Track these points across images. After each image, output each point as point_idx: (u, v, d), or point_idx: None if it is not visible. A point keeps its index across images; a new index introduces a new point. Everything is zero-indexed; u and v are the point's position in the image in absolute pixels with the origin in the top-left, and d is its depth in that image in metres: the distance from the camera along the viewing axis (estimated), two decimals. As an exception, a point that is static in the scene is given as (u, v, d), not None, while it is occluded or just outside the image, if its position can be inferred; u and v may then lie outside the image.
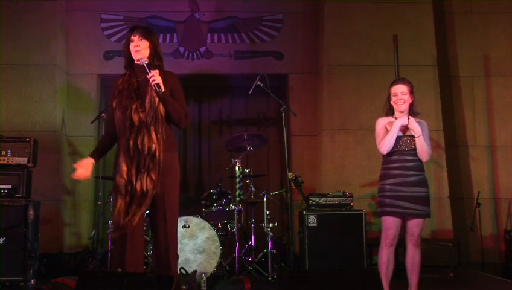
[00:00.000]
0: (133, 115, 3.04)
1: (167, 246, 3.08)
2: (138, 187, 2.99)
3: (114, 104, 3.13)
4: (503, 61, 6.29)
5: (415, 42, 6.00)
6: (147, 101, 3.06)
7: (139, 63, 3.15)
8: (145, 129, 3.03)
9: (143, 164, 3.01)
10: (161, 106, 3.07)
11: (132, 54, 3.17)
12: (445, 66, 6.30)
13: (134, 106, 3.06)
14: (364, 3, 6.10)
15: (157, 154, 3.02)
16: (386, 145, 3.57)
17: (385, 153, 3.61)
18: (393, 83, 3.67)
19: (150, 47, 3.17)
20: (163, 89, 3.05)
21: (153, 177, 3.01)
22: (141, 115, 3.04)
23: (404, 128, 3.59)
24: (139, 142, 3.02)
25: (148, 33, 3.19)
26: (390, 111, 3.69)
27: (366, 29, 6.07)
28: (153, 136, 3.03)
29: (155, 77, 3.05)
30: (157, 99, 3.07)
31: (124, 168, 3.01)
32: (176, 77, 3.24)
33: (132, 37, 3.16)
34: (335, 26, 6.09)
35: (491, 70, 6.28)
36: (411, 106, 3.63)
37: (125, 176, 3.01)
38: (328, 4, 6.13)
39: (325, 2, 6.14)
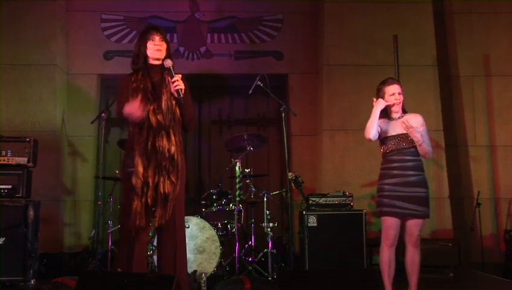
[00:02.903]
0: (150, 116, 3.05)
1: (175, 248, 3.09)
2: (160, 190, 3.01)
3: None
4: (503, 61, 6.29)
5: (415, 42, 6.00)
6: (164, 103, 3.08)
7: (155, 63, 3.17)
8: (164, 131, 3.05)
9: (163, 166, 3.03)
10: (177, 109, 3.11)
11: (150, 53, 3.17)
12: (445, 66, 6.30)
13: (151, 108, 3.06)
14: (364, 3, 6.10)
15: (175, 156, 3.06)
16: (368, 129, 3.57)
17: (371, 136, 3.59)
18: (388, 82, 3.66)
19: (167, 49, 3.20)
20: (182, 95, 3.08)
21: (173, 180, 3.05)
22: (159, 117, 3.06)
23: (400, 127, 3.58)
24: (157, 144, 3.03)
25: (166, 35, 3.24)
26: (382, 112, 3.68)
27: (366, 29, 6.07)
28: (172, 138, 3.06)
29: (180, 82, 3.08)
30: (174, 102, 3.10)
31: (141, 169, 3.01)
32: (185, 80, 3.26)
33: (154, 36, 3.17)
34: (335, 26, 6.09)
35: (491, 70, 6.28)
36: (402, 104, 3.66)
37: (141, 177, 3.01)
38: (328, 4, 6.13)
39: (325, 2, 6.14)
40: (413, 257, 3.55)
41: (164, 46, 3.18)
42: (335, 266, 4.55)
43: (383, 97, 3.65)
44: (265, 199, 4.99)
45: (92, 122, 5.52)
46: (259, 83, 4.97)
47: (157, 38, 3.16)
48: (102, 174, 5.05)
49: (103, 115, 5.15)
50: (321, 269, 4.41)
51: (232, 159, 5.27)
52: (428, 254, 4.77)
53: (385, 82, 3.69)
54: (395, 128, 3.60)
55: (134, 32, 6.33)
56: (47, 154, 5.42)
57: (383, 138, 3.64)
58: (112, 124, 6.55)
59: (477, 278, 5.11)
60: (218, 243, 4.64)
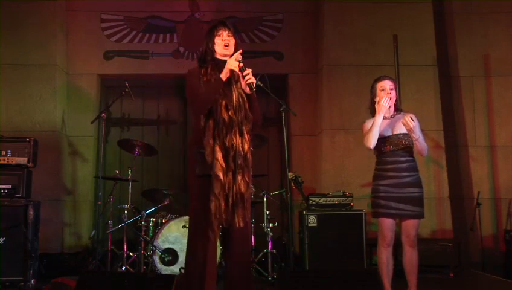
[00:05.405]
0: (222, 112, 2.97)
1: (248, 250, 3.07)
2: (237, 189, 2.93)
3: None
4: (503, 61, 6.29)
5: (415, 42, 6.00)
6: (235, 99, 3.02)
7: (223, 58, 3.11)
8: (237, 128, 2.97)
9: (238, 165, 2.95)
10: (247, 106, 3.04)
11: (218, 49, 3.12)
12: (445, 66, 6.30)
13: (223, 103, 2.99)
14: (364, 3, 6.10)
15: (248, 154, 3.00)
16: (370, 139, 3.52)
17: (371, 146, 3.56)
18: (379, 79, 3.64)
19: (235, 45, 3.15)
20: (254, 89, 3.02)
21: (247, 179, 2.97)
22: (230, 112, 2.98)
23: (394, 127, 3.57)
24: (232, 141, 2.95)
25: (234, 31, 3.17)
26: (374, 111, 3.65)
27: (366, 29, 6.07)
28: (245, 135, 3.00)
29: (251, 76, 3.01)
30: (245, 99, 3.04)
31: (223, 164, 2.92)
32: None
33: (221, 31, 3.12)
34: (335, 26, 6.09)
35: (491, 70, 6.28)
36: (396, 102, 3.62)
37: (226, 173, 2.93)
38: (328, 4, 6.13)
39: (325, 2, 6.14)
40: (411, 257, 3.53)
41: (232, 41, 3.13)
42: (335, 266, 4.55)
43: (375, 94, 3.62)
44: (265, 199, 4.98)
45: (92, 122, 5.51)
46: (259, 83, 4.95)
47: (225, 34, 3.11)
48: (102, 174, 5.05)
49: (103, 115, 5.14)
50: (321, 269, 4.41)
51: (232, 159, 5.26)
52: (428, 254, 4.77)
53: (378, 78, 3.67)
54: (389, 129, 3.57)
55: (134, 32, 6.34)
56: (47, 154, 5.42)
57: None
58: (112, 124, 6.55)
59: (477, 278, 5.11)
60: (218, 243, 4.63)
